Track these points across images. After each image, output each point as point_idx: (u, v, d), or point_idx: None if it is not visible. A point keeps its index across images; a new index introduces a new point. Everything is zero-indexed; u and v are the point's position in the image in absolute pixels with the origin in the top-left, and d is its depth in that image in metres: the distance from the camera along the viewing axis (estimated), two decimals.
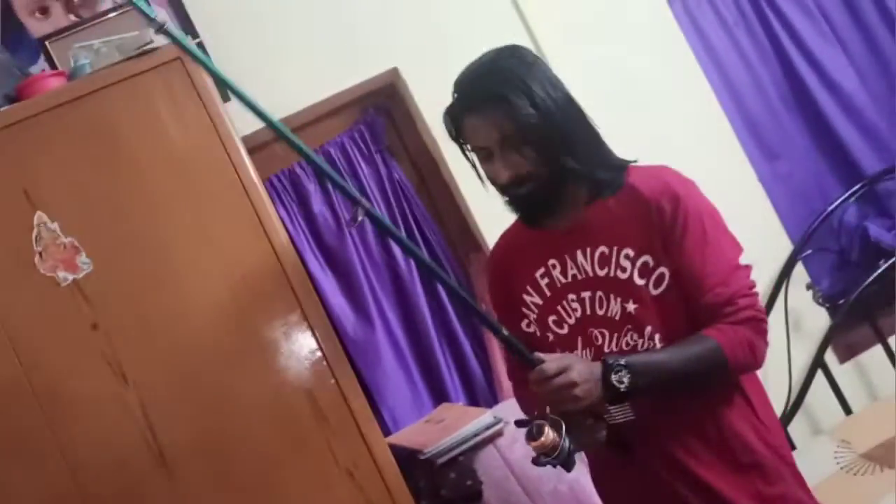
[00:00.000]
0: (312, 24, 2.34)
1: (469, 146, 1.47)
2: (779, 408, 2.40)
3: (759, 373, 2.35)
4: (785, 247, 2.51)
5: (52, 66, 1.85)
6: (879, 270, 2.47)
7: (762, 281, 2.46)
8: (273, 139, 2.33)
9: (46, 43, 1.85)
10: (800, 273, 2.53)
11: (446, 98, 1.45)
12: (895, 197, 2.66)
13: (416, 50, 2.39)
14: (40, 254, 1.57)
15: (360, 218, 1.34)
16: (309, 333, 1.64)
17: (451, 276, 2.43)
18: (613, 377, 1.31)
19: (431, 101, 2.37)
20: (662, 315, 1.43)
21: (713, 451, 1.44)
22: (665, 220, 1.41)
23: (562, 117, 1.42)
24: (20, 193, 1.58)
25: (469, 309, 1.58)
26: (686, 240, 1.41)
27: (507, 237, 1.64)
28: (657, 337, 1.43)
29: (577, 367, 1.30)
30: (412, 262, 2.39)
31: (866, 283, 2.47)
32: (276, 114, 2.23)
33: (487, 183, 1.48)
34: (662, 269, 1.42)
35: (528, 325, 1.54)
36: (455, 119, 1.47)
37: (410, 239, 2.44)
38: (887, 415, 2.32)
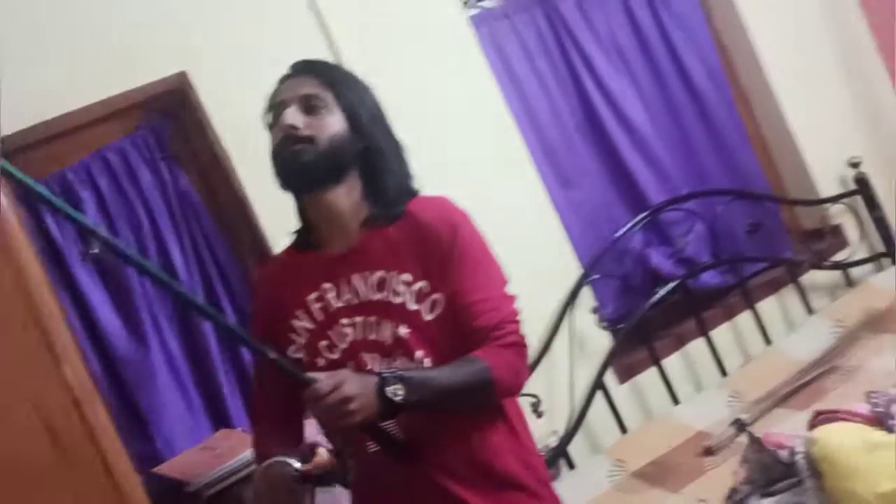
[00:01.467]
0: (92, 19, 2.16)
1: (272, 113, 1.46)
2: (561, 427, 2.48)
3: (544, 393, 2.45)
4: (575, 271, 2.60)
5: None
6: (656, 297, 2.63)
7: (552, 303, 2.56)
8: (39, 141, 2.13)
9: None
10: (589, 297, 2.63)
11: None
12: (677, 226, 2.84)
13: (208, 55, 2.26)
14: None
15: (94, 249, 1.23)
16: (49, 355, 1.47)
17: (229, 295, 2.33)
18: (388, 389, 1.30)
19: (223, 108, 2.27)
20: (434, 340, 1.45)
21: (477, 472, 1.47)
22: (442, 247, 1.44)
23: (373, 125, 1.47)
24: None
25: (228, 332, 1.52)
26: (462, 267, 1.45)
27: (276, 262, 1.63)
28: (427, 361, 1.45)
29: (351, 382, 1.29)
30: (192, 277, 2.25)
31: (644, 308, 2.62)
32: (45, 115, 2.08)
33: (279, 193, 1.45)
34: (437, 296, 1.44)
35: (297, 351, 1.50)
36: (274, 93, 1.47)
37: (194, 253, 2.31)
38: (659, 434, 2.46)
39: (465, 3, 2.71)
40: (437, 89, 2.50)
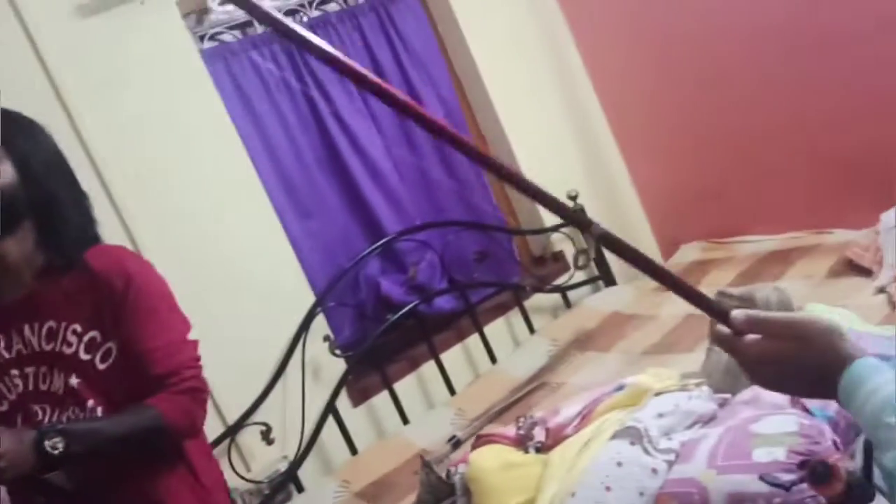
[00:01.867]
0: None
1: None
2: (292, 450, 2.58)
3: (277, 420, 2.54)
4: (309, 300, 2.71)
5: None
6: (388, 323, 2.80)
7: (287, 332, 2.65)
8: None
9: None
10: (323, 324, 2.75)
11: None
12: (411, 255, 3.02)
13: None
14: None
15: None
16: None
17: None
18: (47, 443, 1.32)
19: None
20: (107, 389, 1.49)
21: None
22: (115, 296, 1.47)
23: (48, 174, 1.46)
24: None
25: None
26: (136, 316, 1.49)
27: None
28: (99, 410, 1.49)
29: (2, 438, 1.29)
30: None
31: (376, 334, 2.77)
32: None
33: None
34: (110, 344, 1.48)
35: None
36: None
37: None
38: (385, 453, 2.62)
39: (200, 37, 2.75)
40: (167, 122, 2.52)
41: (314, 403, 2.64)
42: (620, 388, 1.83)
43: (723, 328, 0.90)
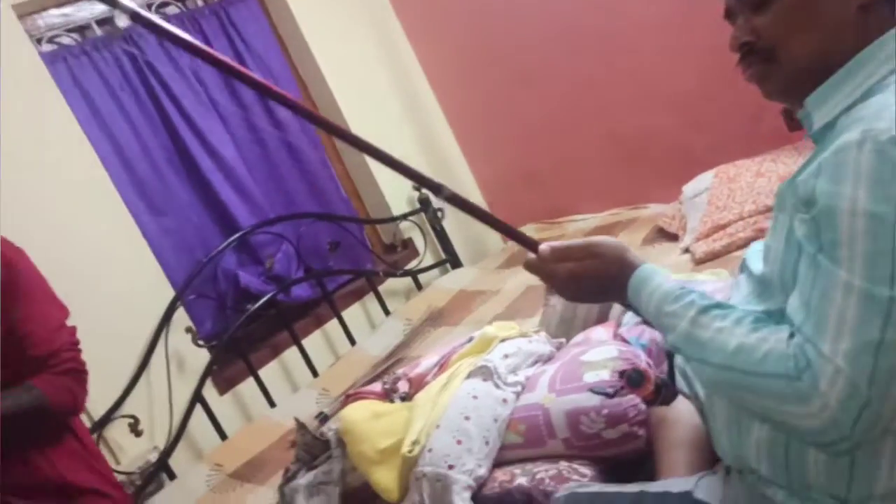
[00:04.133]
0: None
1: None
2: (162, 440, 2.63)
3: (144, 412, 2.58)
4: (168, 295, 2.76)
5: None
6: (248, 313, 2.90)
7: (148, 325, 2.69)
8: None
9: None
10: (185, 317, 2.81)
11: None
12: (267, 247, 3.13)
13: None
14: None
15: None
16: None
17: None
18: None
19: None
20: None
21: (50, 488, 1.59)
22: None
23: None
24: None
25: None
26: (14, 302, 1.57)
27: None
28: None
29: None
30: None
31: (237, 324, 2.87)
32: None
33: None
34: None
35: None
36: None
37: None
38: (255, 435, 2.72)
39: (38, 39, 2.74)
40: (11, 125, 2.50)
41: (181, 394, 2.70)
42: (471, 339, 2.06)
43: (533, 255, 1.15)
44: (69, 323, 1.67)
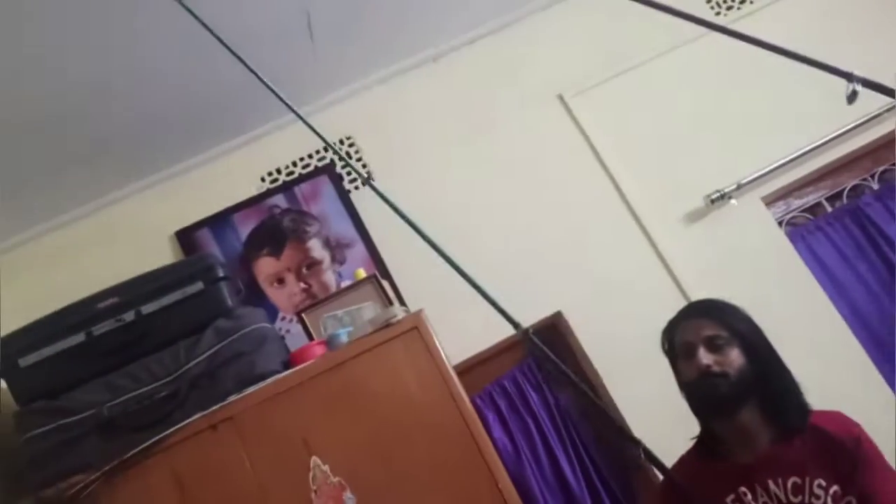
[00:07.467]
0: (491, 276, 2.80)
1: (676, 350, 1.84)
2: None
3: None
4: None
5: (306, 330, 2.34)
6: None
7: None
8: (476, 363, 2.75)
9: (302, 315, 2.35)
10: None
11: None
12: None
13: (578, 296, 2.83)
14: (315, 491, 1.96)
15: None
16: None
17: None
18: None
19: (592, 335, 2.79)
20: None
21: None
22: (849, 454, 1.70)
23: (766, 352, 1.80)
24: (300, 442, 2.00)
25: None
26: (873, 472, 1.70)
27: (682, 468, 1.91)
28: None
29: None
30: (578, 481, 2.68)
31: None
32: (463, 354, 2.70)
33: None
34: (849, 498, 1.68)
35: None
36: (671, 329, 1.86)
37: (577, 459, 2.73)
38: None
39: (779, 222, 3.06)
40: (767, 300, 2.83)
41: None
42: None
43: None
44: None
